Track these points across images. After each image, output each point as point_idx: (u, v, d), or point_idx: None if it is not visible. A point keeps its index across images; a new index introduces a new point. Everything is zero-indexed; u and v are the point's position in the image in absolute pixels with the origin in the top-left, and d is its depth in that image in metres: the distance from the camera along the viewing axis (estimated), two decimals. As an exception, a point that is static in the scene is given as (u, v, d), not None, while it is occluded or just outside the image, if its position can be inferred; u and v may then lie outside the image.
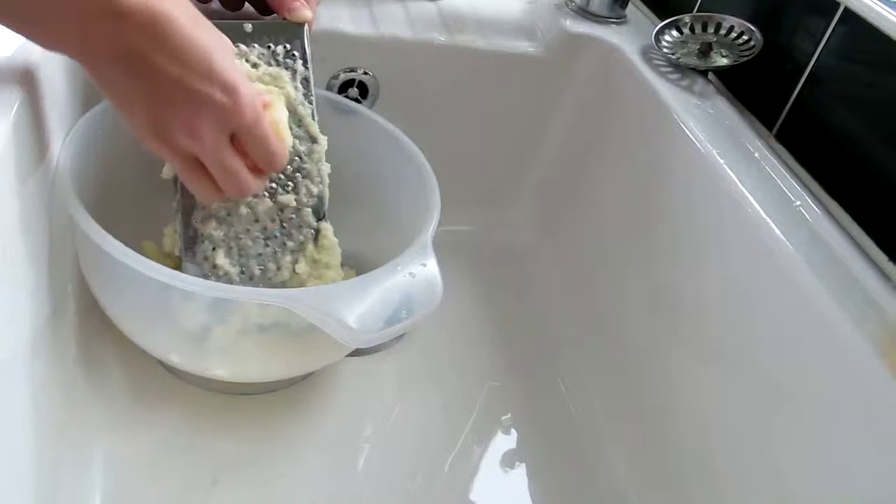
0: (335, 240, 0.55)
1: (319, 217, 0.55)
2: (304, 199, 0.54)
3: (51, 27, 0.37)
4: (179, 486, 0.52)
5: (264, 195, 0.52)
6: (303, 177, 0.53)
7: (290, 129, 0.53)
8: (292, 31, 0.53)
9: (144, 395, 0.56)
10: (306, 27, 0.54)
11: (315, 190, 0.54)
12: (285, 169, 0.53)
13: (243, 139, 0.43)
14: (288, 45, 0.53)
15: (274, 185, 0.52)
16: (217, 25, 0.52)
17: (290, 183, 0.53)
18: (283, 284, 0.54)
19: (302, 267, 0.54)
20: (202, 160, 0.42)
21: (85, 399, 0.54)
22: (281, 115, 0.49)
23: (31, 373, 0.43)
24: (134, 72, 0.38)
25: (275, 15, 0.54)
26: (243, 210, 0.51)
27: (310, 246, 0.54)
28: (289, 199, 0.53)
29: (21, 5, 0.36)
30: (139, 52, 0.38)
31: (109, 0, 0.36)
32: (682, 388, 0.58)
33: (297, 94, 0.53)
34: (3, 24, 0.39)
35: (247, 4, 0.56)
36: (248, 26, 0.52)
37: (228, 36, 0.52)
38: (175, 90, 0.39)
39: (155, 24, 0.38)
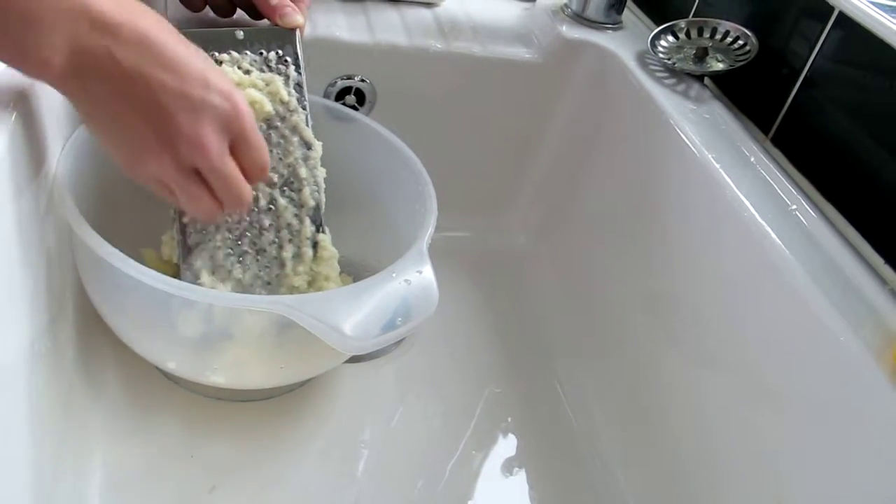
0: (334, 251, 0.56)
1: (317, 223, 0.55)
2: (302, 205, 0.54)
3: (36, 50, 0.36)
4: (178, 493, 0.52)
5: (263, 202, 0.52)
6: (298, 183, 0.53)
7: (284, 135, 0.53)
8: (284, 37, 0.54)
9: (143, 402, 0.56)
10: (298, 32, 0.54)
11: (311, 196, 0.54)
12: (282, 174, 0.53)
13: (240, 145, 0.43)
14: (280, 51, 0.53)
15: (271, 190, 0.53)
16: (209, 33, 0.52)
17: (285, 188, 0.53)
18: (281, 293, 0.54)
19: (301, 280, 0.54)
20: (203, 171, 0.42)
21: (83, 406, 0.54)
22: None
23: (29, 380, 0.43)
24: (130, 90, 0.38)
25: (266, 21, 0.54)
26: (241, 217, 0.52)
27: (308, 252, 0.54)
28: (286, 204, 0.53)
29: (6, 33, 0.36)
30: (135, 67, 0.38)
31: (94, 18, 0.36)
32: (680, 391, 0.58)
33: (291, 100, 0.53)
34: None
35: (238, 11, 0.56)
36: (240, 33, 0.52)
37: (220, 43, 0.52)
38: (177, 100, 0.39)
39: (145, 39, 0.38)
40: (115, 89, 0.38)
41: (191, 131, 0.40)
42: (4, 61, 0.38)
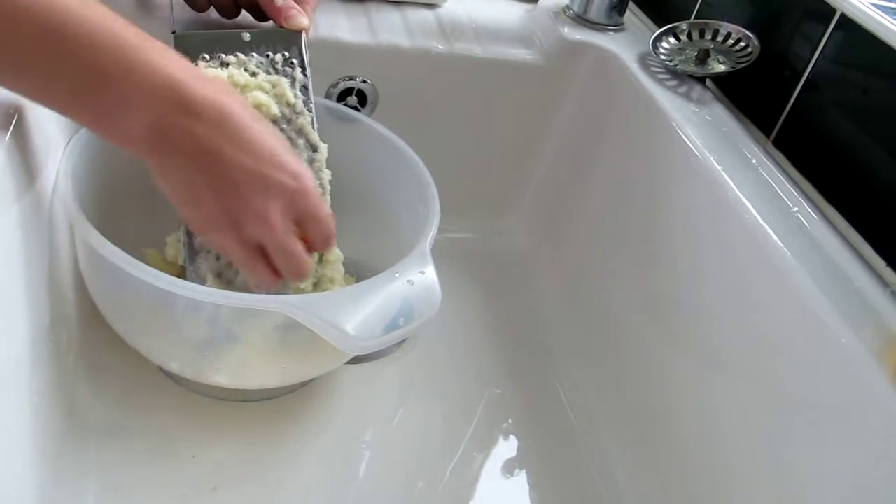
0: (339, 254, 0.56)
1: None
2: None
3: (120, 123, 0.39)
4: (179, 493, 0.52)
5: None
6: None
7: (290, 137, 0.53)
8: (290, 39, 0.54)
9: (144, 402, 0.56)
10: (304, 35, 0.54)
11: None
12: None
13: (307, 222, 0.44)
14: (286, 53, 0.53)
15: None
16: (215, 34, 0.52)
17: None
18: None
19: (306, 282, 0.54)
20: (267, 246, 0.43)
21: (85, 405, 0.54)
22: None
23: (31, 380, 0.43)
24: (206, 166, 0.40)
25: (271, 23, 0.54)
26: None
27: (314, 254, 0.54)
28: None
29: (91, 103, 0.38)
30: (213, 146, 0.39)
31: (181, 97, 0.38)
32: (682, 394, 0.58)
33: (297, 102, 0.53)
34: (74, 117, 0.40)
35: (244, 13, 0.56)
36: (246, 35, 0.52)
37: (227, 44, 0.52)
38: (249, 180, 0.41)
39: (225, 120, 0.39)
40: (191, 163, 0.40)
41: (259, 210, 0.41)
42: (88, 126, 0.40)
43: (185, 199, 0.42)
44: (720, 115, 0.65)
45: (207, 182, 0.40)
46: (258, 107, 0.51)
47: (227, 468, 0.54)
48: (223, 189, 0.41)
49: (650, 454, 0.60)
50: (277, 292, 0.53)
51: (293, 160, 0.43)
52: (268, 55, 0.53)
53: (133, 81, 0.37)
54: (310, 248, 0.46)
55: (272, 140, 0.42)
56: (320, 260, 0.55)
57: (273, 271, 0.45)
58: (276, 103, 0.52)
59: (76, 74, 0.37)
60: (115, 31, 0.37)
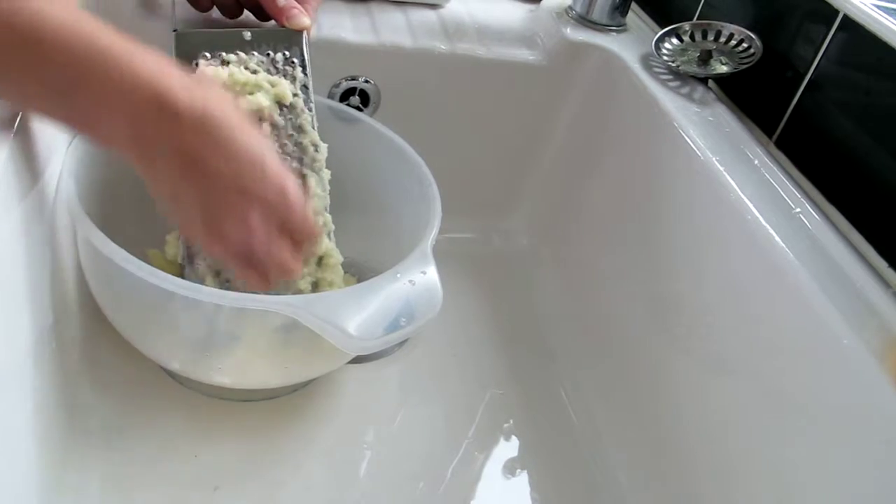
0: (341, 258, 0.56)
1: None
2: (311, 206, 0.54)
3: (104, 126, 0.38)
4: (181, 493, 0.52)
5: None
6: (304, 184, 0.54)
7: (291, 135, 0.53)
8: (291, 39, 0.54)
9: (146, 401, 0.56)
10: (305, 34, 0.54)
11: (319, 197, 0.54)
12: None
13: (288, 227, 0.44)
14: (287, 53, 0.53)
15: None
16: (216, 33, 0.53)
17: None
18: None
19: (305, 283, 0.54)
20: (251, 251, 0.43)
21: (87, 404, 0.54)
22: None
23: (33, 379, 0.43)
24: (189, 171, 0.39)
25: (273, 22, 0.54)
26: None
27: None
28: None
29: (74, 106, 0.38)
30: (195, 153, 0.39)
31: (165, 101, 0.37)
32: (683, 395, 0.58)
33: (297, 101, 0.53)
34: (59, 123, 0.40)
35: (246, 12, 0.56)
36: (248, 34, 0.52)
37: (228, 43, 0.52)
38: (230, 190, 0.40)
39: (211, 128, 0.39)
40: (173, 168, 0.39)
41: (240, 218, 0.41)
42: (74, 129, 0.41)
43: (170, 203, 0.41)
44: (722, 115, 0.65)
45: (189, 187, 0.40)
46: (259, 111, 0.51)
47: (228, 467, 0.54)
48: (205, 197, 0.40)
49: (651, 454, 0.60)
50: (277, 292, 0.54)
51: (277, 166, 0.42)
52: (268, 54, 0.53)
53: (111, 84, 0.37)
54: (296, 247, 0.45)
55: (256, 146, 0.41)
56: (320, 263, 0.55)
57: (262, 274, 0.44)
58: (276, 102, 0.52)
59: (50, 78, 0.36)
60: (89, 32, 0.37)
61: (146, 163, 0.40)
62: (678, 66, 0.69)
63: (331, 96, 0.69)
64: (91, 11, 0.38)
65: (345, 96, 0.70)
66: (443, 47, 0.70)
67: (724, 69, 0.67)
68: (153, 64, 0.38)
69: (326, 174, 0.55)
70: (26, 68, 0.36)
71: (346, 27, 0.67)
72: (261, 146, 0.41)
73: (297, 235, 0.44)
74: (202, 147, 0.39)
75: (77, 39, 0.36)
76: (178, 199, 0.41)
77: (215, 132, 0.39)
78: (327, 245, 0.55)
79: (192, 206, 0.41)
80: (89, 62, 0.36)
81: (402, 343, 0.67)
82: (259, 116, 0.51)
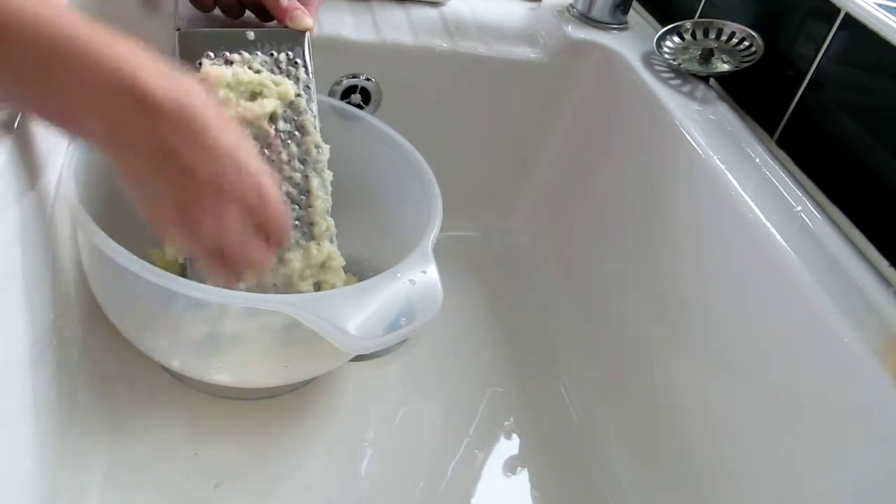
0: (342, 261, 0.56)
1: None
2: (310, 206, 0.54)
3: (79, 118, 0.38)
4: (181, 491, 0.52)
5: None
6: (306, 184, 0.54)
7: (294, 135, 0.53)
8: (294, 39, 0.54)
9: (146, 400, 0.56)
10: (308, 35, 0.54)
11: (320, 198, 0.54)
12: (291, 178, 0.53)
13: (266, 229, 0.43)
14: (290, 53, 0.53)
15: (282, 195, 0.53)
16: (220, 33, 0.52)
17: (293, 191, 0.53)
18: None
19: (307, 285, 0.54)
20: (223, 245, 0.42)
21: (87, 403, 0.54)
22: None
23: (33, 378, 0.43)
24: (164, 167, 0.39)
25: (276, 22, 0.54)
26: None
27: (314, 253, 0.54)
28: (294, 207, 0.53)
29: (49, 97, 0.37)
30: (172, 148, 0.38)
31: (138, 95, 0.37)
32: (684, 393, 0.58)
33: (300, 101, 0.53)
34: (32, 114, 0.40)
35: (248, 12, 0.56)
36: (251, 34, 0.52)
37: (231, 43, 0.52)
38: (206, 187, 0.40)
39: (187, 122, 0.38)
40: (148, 162, 0.39)
41: (214, 214, 0.40)
42: (48, 121, 0.39)
43: (144, 196, 0.41)
44: (724, 114, 0.65)
45: (165, 183, 0.39)
46: (262, 114, 0.51)
47: (228, 466, 0.54)
48: (180, 191, 0.40)
49: (652, 453, 0.60)
50: (245, 287, 0.53)
51: (257, 170, 0.42)
52: (272, 54, 0.53)
53: (86, 76, 0.36)
54: (269, 244, 0.45)
55: (237, 147, 0.41)
56: (323, 266, 0.55)
57: (231, 269, 0.44)
58: (279, 102, 0.52)
59: (23, 70, 0.36)
60: (67, 22, 0.36)
61: (119, 153, 0.39)
62: (679, 65, 0.69)
63: (332, 94, 0.69)
64: (93, 11, 0.38)
65: (346, 94, 0.70)
66: (444, 45, 0.69)
67: (725, 67, 0.67)
68: (130, 54, 0.37)
69: (329, 175, 0.55)
70: None
71: (347, 24, 0.67)
72: (237, 140, 0.41)
73: (271, 233, 0.44)
74: (178, 140, 0.38)
75: (50, 28, 0.35)
76: (151, 191, 0.40)
77: (192, 126, 0.38)
78: (330, 248, 0.54)
79: (164, 198, 0.40)
80: (63, 50, 0.36)
81: (402, 341, 0.67)
82: (271, 119, 0.51)
